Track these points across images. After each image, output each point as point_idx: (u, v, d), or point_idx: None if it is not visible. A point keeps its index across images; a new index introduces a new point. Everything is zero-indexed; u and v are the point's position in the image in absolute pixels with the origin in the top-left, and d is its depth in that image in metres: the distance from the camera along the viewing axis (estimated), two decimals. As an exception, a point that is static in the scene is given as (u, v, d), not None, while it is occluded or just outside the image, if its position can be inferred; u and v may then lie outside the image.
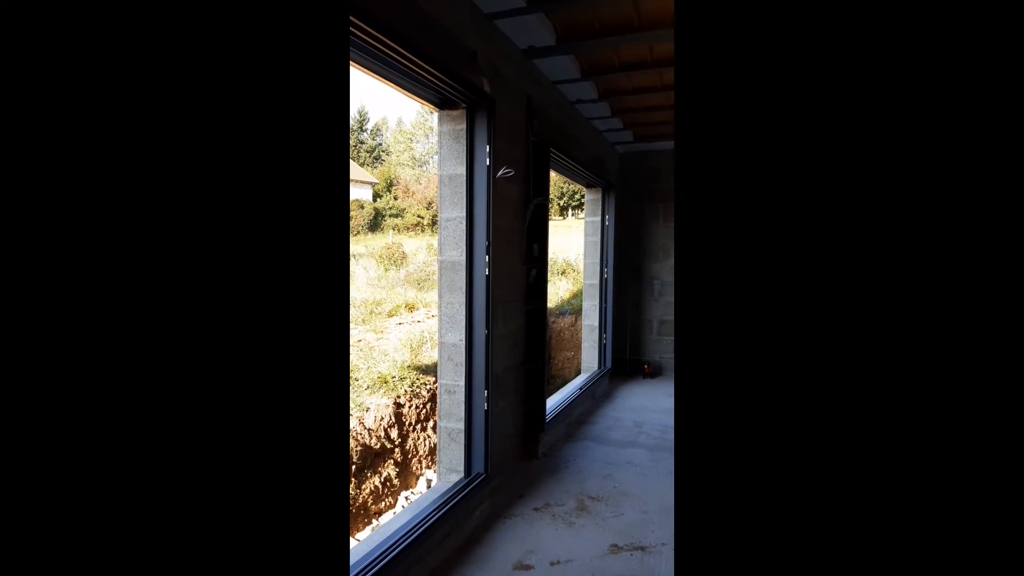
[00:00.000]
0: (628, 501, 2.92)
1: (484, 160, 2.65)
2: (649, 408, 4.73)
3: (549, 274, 11.40)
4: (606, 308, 5.64)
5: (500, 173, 2.74)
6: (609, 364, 5.62)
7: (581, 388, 4.58)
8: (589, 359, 5.65)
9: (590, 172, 4.82)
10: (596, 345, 5.60)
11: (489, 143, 2.64)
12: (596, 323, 5.61)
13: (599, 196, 5.54)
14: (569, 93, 4.11)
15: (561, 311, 8.36)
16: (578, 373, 6.04)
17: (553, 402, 4.09)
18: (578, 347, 7.06)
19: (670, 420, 4.37)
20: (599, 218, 5.56)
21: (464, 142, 2.65)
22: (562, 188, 24.77)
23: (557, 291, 9.82)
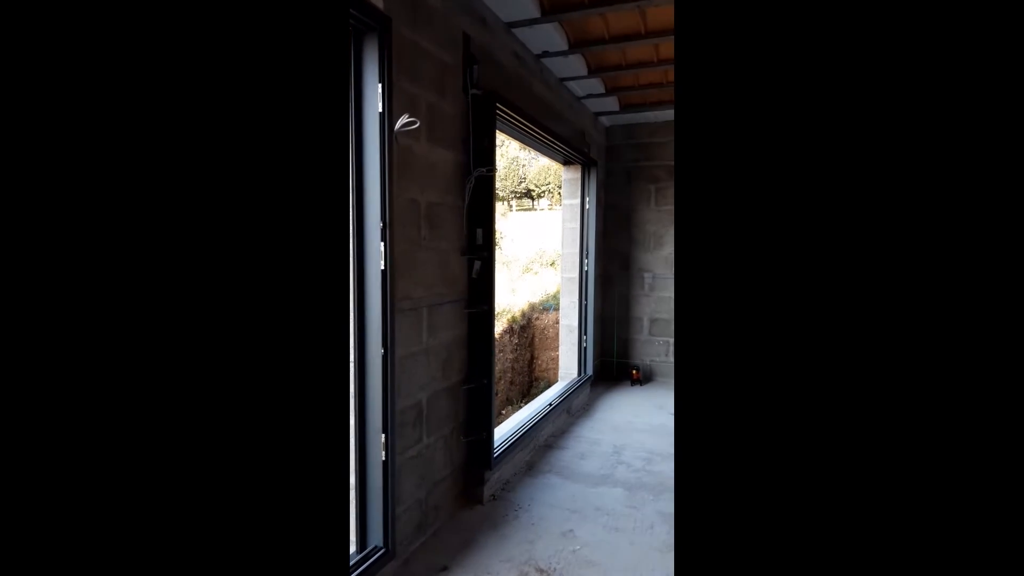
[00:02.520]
0: None
1: (375, 105, 1.85)
2: (634, 426, 3.96)
3: (536, 266, 10.61)
4: (586, 305, 4.86)
5: (400, 124, 1.95)
6: (590, 371, 4.85)
7: (552, 404, 3.81)
8: (567, 365, 4.88)
9: (565, 145, 4.02)
10: (575, 348, 4.83)
11: (382, 81, 1.85)
12: (575, 323, 4.84)
13: (578, 175, 4.73)
14: (532, 41, 3.30)
15: (545, 306, 7.59)
16: (549, 384, 5.28)
17: (511, 426, 3.32)
18: (561, 347, 6.31)
19: (657, 442, 3.61)
20: (578, 200, 4.76)
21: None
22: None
23: (544, 285, 9.04)
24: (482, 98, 2.65)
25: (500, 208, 22.77)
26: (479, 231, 2.69)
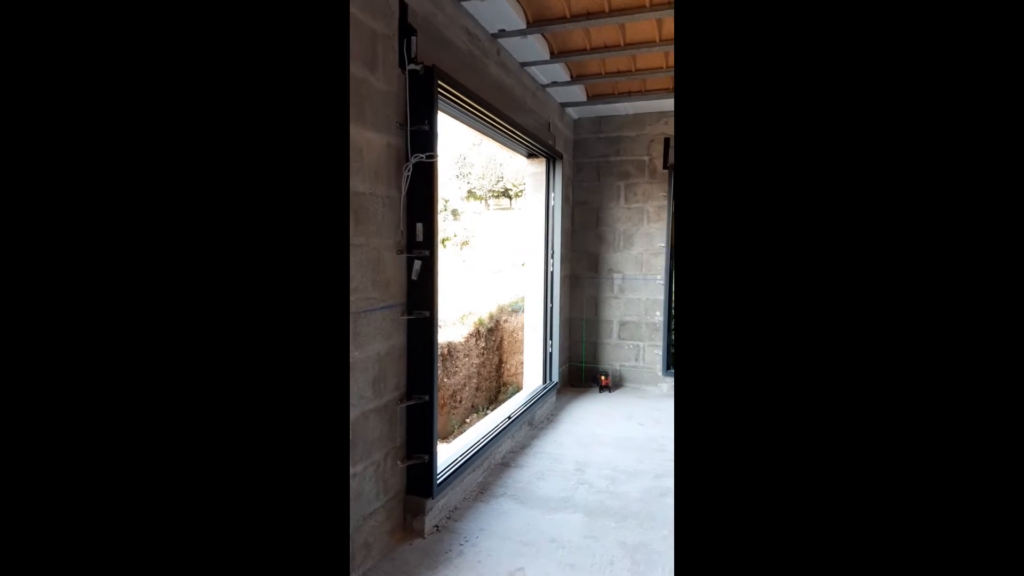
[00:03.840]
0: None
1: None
2: (600, 439, 3.68)
3: (507, 266, 10.28)
4: (552, 308, 4.56)
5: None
6: (555, 377, 4.55)
7: (512, 416, 3.50)
8: (532, 372, 4.58)
9: (528, 136, 3.71)
10: (541, 353, 4.53)
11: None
12: (541, 327, 4.54)
13: (543, 169, 4.44)
14: (486, 17, 2.98)
15: (515, 308, 7.28)
16: (518, 389, 4.98)
17: (462, 444, 3.00)
18: (529, 351, 6.00)
19: (623, 458, 3.32)
20: (543, 196, 4.46)
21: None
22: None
23: (514, 285, 8.73)
24: (421, 75, 2.32)
25: (477, 207, 22.44)
26: (419, 226, 2.37)
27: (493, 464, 3.20)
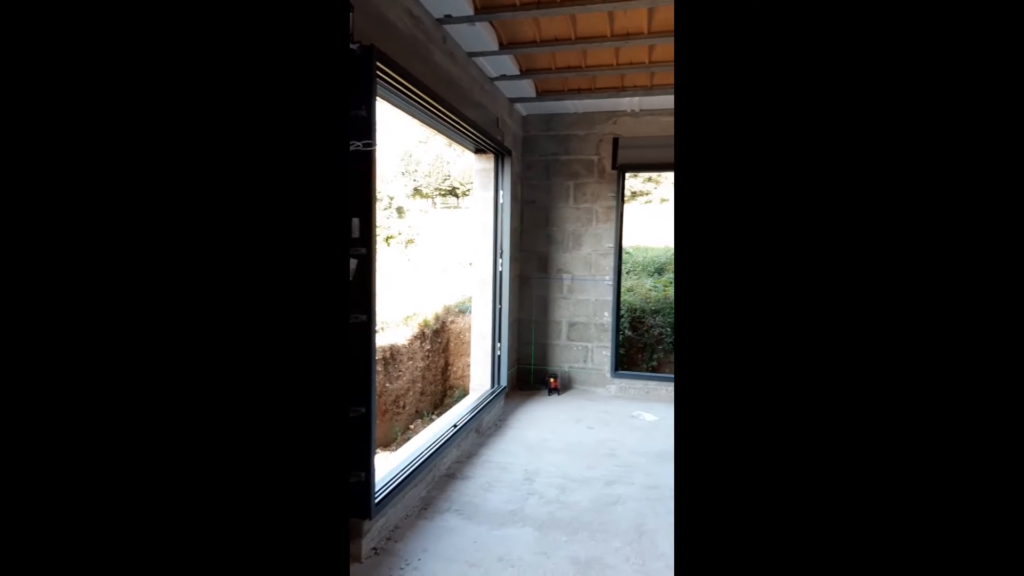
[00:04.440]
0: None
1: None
2: (549, 445, 3.56)
3: (454, 266, 10.06)
4: (501, 309, 4.42)
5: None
6: (504, 381, 4.41)
7: (457, 425, 3.32)
8: (479, 376, 4.41)
9: (475, 130, 3.54)
10: (489, 356, 4.38)
11: None
12: (489, 328, 4.38)
13: (491, 164, 4.28)
14: (430, 0, 2.79)
15: (462, 309, 7.09)
16: (465, 395, 4.81)
17: (403, 456, 2.80)
18: (477, 354, 5.83)
19: (573, 465, 3.22)
20: (491, 193, 4.31)
21: None
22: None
23: (461, 286, 8.54)
24: (358, 55, 2.11)
25: (423, 205, 21.99)
26: (355, 221, 2.15)
27: (437, 476, 3.01)
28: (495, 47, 3.38)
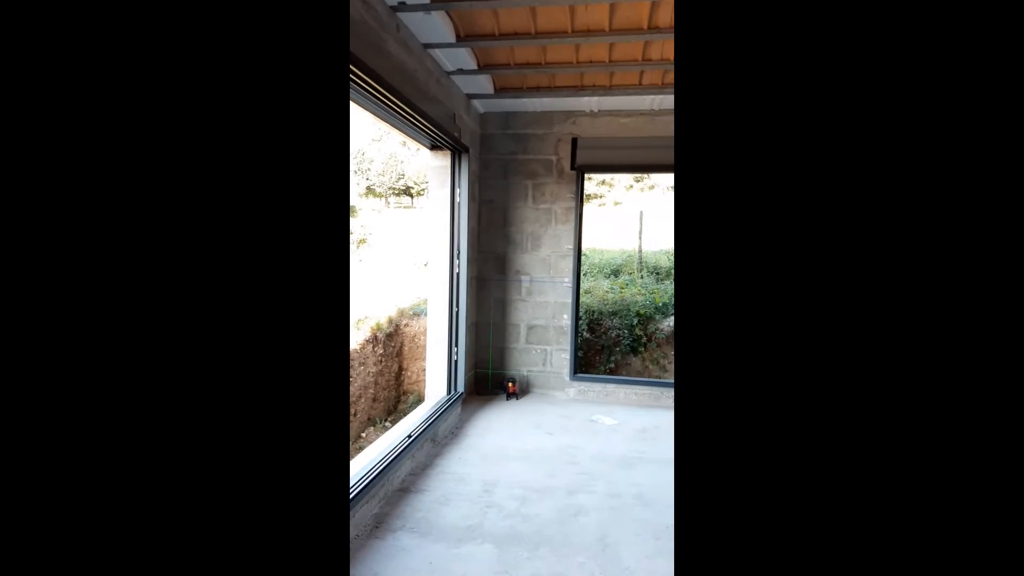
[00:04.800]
0: None
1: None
2: (508, 453, 3.44)
3: (407, 267, 9.82)
4: (458, 312, 4.27)
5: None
6: (461, 387, 4.26)
7: (412, 435, 3.15)
8: (435, 382, 4.24)
9: (431, 125, 3.38)
10: (445, 361, 4.22)
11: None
12: (446, 332, 4.22)
13: (447, 162, 4.13)
14: (382, -16, 2.62)
15: (416, 311, 6.88)
16: (420, 400, 4.63)
17: (354, 473, 2.60)
18: (432, 358, 5.64)
19: (533, 473, 3.12)
20: (448, 191, 4.15)
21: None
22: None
23: (415, 288, 8.31)
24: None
25: (376, 204, 21.45)
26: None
27: (390, 491, 2.84)
28: (452, 39, 3.24)
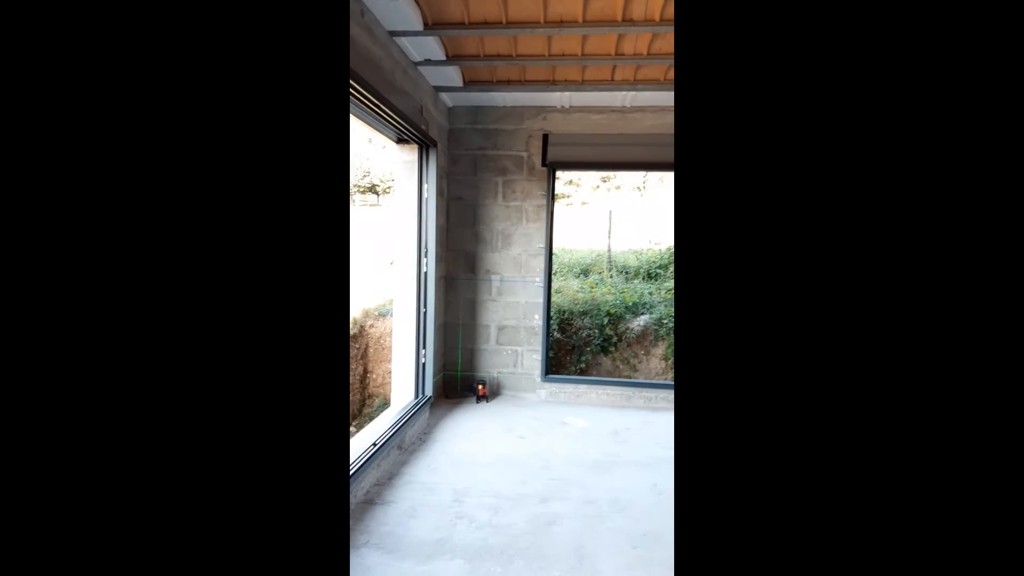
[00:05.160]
0: None
1: None
2: (478, 459, 3.31)
3: (373, 265, 9.55)
4: (426, 313, 4.11)
5: None
6: (429, 390, 4.11)
7: (377, 444, 2.99)
8: (402, 384, 4.08)
9: (398, 117, 3.22)
10: (413, 364, 4.05)
11: None
12: (413, 334, 4.06)
13: (415, 156, 3.97)
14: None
15: (382, 312, 6.67)
16: (386, 404, 4.45)
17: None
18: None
19: (505, 480, 3.00)
20: (415, 187, 3.99)
21: None
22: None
23: (381, 288, 8.08)
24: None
25: (340, 202, 20.86)
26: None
27: (355, 503, 2.67)
28: (419, 27, 3.08)
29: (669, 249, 8.52)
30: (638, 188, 13.90)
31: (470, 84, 4.08)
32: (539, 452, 3.44)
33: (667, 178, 13.16)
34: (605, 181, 15.10)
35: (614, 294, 6.62)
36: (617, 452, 3.46)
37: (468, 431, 3.81)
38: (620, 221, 9.54)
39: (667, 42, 3.41)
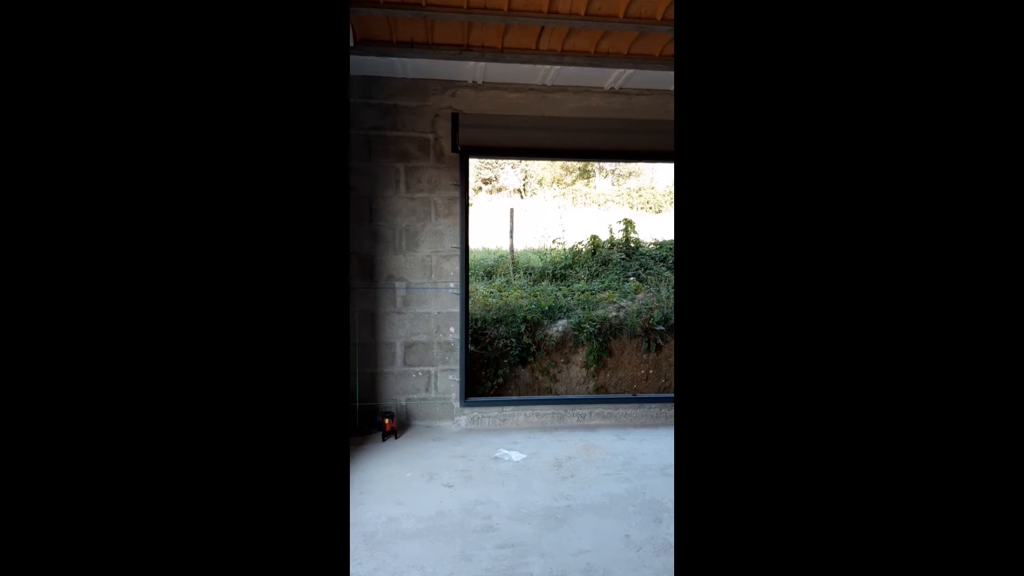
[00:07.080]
0: None
1: None
2: (400, 525, 2.50)
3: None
4: (315, 335, 3.18)
5: None
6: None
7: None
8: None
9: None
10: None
11: None
12: (297, 362, 3.10)
13: (292, 131, 3.03)
14: None
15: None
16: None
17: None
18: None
19: (442, 559, 2.24)
20: (294, 172, 3.04)
21: None
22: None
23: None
24: None
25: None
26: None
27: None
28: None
29: (575, 248, 8.22)
30: (539, 182, 13.57)
31: (362, 43, 3.24)
32: (475, 505, 2.71)
33: (597, 168, 13.02)
34: (486, 184, 14.50)
35: (527, 298, 6.07)
36: (568, 493, 2.85)
37: (377, 483, 2.97)
38: (521, 219, 9.08)
39: (608, 3, 2.87)
